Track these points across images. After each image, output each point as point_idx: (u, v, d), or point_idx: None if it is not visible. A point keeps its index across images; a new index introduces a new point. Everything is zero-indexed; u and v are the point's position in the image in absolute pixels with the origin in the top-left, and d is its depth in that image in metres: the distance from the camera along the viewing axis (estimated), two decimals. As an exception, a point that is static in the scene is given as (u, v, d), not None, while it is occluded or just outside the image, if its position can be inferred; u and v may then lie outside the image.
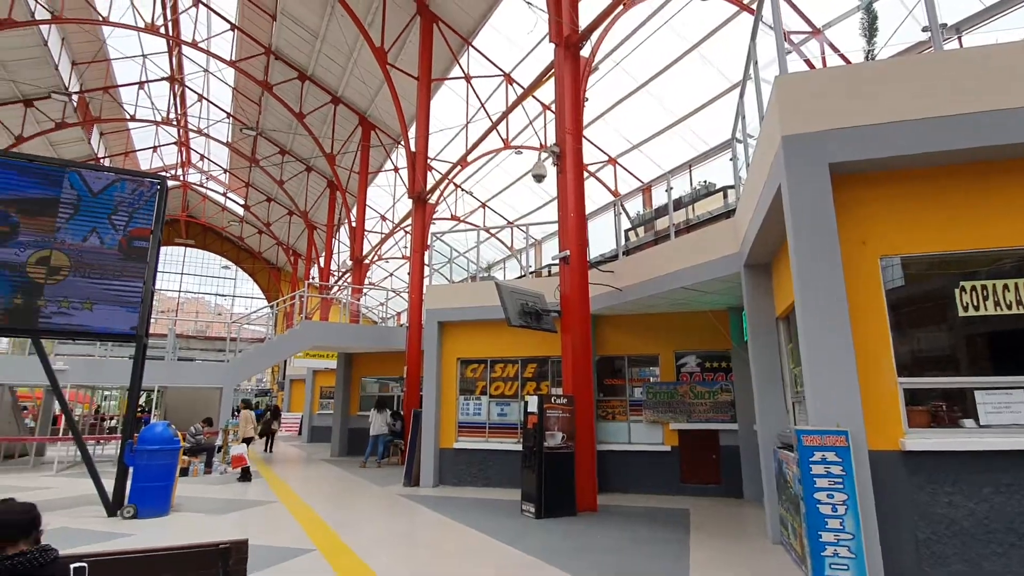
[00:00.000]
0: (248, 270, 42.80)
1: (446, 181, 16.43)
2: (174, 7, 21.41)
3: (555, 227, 12.56)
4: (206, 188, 35.88)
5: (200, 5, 21.17)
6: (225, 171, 33.50)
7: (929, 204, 4.52)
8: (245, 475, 11.77)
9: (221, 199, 36.71)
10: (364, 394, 17.89)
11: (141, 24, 20.55)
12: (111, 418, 24.19)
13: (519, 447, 9.95)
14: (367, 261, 23.69)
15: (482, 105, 17.09)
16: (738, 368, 9.72)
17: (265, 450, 18.55)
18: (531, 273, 12.47)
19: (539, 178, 10.28)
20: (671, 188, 9.24)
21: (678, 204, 9.66)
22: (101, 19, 19.98)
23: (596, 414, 10.05)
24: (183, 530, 7.35)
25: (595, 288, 9.61)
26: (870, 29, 5.40)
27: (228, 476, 12.47)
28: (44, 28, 19.93)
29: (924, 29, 4.81)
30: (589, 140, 17.65)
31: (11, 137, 23.84)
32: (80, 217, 8.18)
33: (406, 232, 24.86)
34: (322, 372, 23.04)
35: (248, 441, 13.14)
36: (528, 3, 11.77)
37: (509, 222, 22.29)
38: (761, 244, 6.15)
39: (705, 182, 10.13)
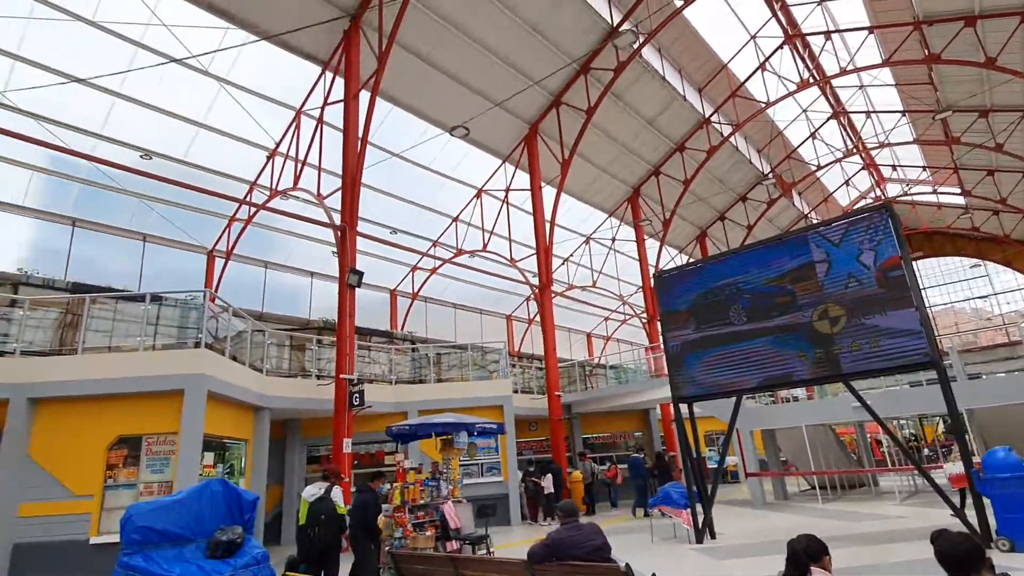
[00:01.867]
0: (999, 260, 35.85)
1: None
2: (810, 55, 22.67)
3: None
4: (910, 195, 33.60)
5: (830, 37, 21.55)
6: (924, 168, 30.62)
7: None
8: None
9: (932, 198, 33.35)
10: None
11: (793, 87, 22.68)
12: (919, 447, 23.99)
13: None
14: None
15: None
16: None
17: None
18: None
19: None
20: None
21: None
22: (764, 104, 23.34)
23: None
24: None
25: None
26: None
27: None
28: (732, 138, 24.96)
29: None
30: None
31: (742, 229, 30.08)
32: (834, 269, 9.13)
33: None
34: None
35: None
36: None
37: None
38: None
39: None
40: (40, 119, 13.14)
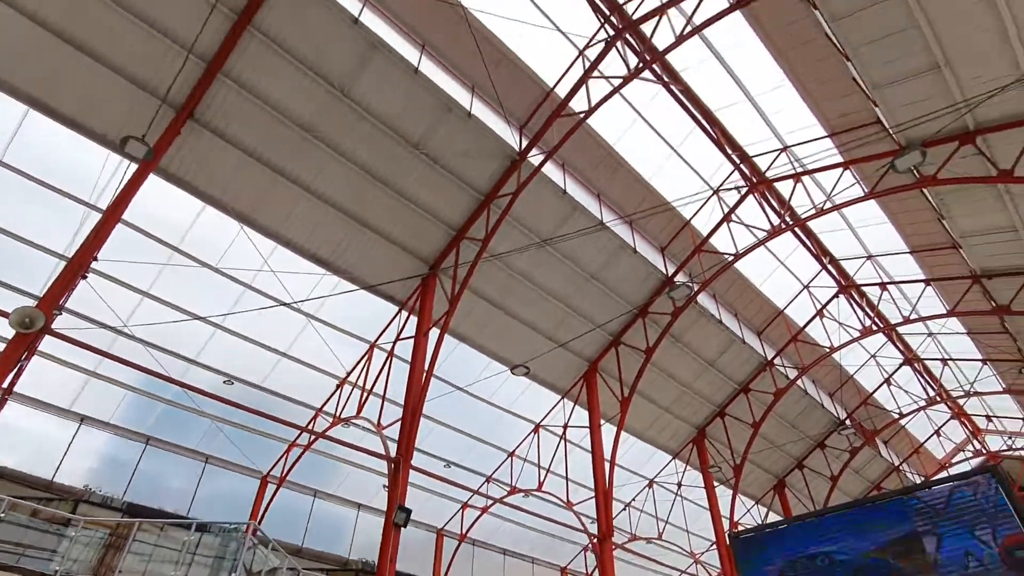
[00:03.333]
0: None
1: None
2: (869, 304, 23.01)
3: None
4: (1016, 450, 30.24)
5: (886, 288, 22.06)
6: None
7: None
8: None
9: (1043, 454, 29.79)
10: None
11: (856, 334, 22.60)
12: None
13: None
14: None
15: None
16: None
17: None
18: None
19: None
20: None
21: None
22: (828, 349, 23.08)
23: None
24: None
25: None
26: None
27: None
28: (800, 382, 24.24)
29: None
30: None
31: (825, 480, 27.28)
32: (947, 543, 7.84)
33: None
34: None
35: None
36: None
37: None
38: None
39: None
40: (149, 345, 14.74)
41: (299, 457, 17.88)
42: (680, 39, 12.95)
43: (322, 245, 15.23)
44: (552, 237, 16.41)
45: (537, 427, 20.85)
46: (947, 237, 18.31)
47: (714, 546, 23.05)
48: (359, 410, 15.73)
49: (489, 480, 20.84)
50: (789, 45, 14.00)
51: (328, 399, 17.76)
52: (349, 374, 17.46)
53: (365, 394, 15.99)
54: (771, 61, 14.39)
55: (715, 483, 23.40)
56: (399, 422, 13.94)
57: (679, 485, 24.19)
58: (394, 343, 16.18)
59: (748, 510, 25.69)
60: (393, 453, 13.45)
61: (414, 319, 15.96)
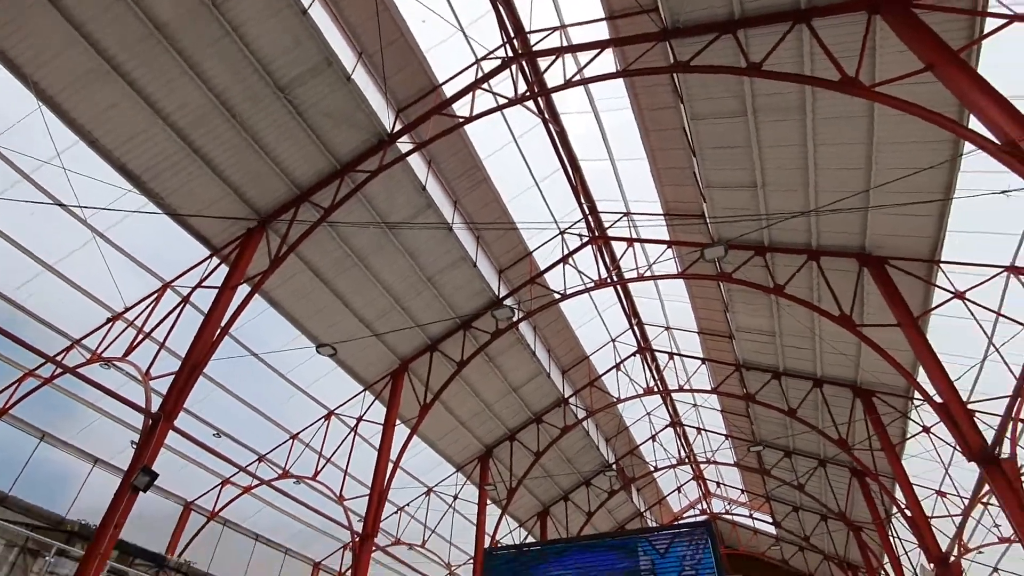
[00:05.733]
0: (804, 598, 37.72)
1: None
2: (656, 369, 26.13)
3: None
4: (732, 515, 36.17)
5: (674, 357, 25.28)
6: (743, 491, 33.67)
7: None
8: None
9: (749, 522, 36.01)
10: None
11: (640, 391, 25.44)
12: None
13: None
14: (954, 556, 18.20)
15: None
16: None
17: None
18: None
19: None
20: None
21: None
22: (615, 399, 25.65)
23: None
24: None
25: None
26: None
27: None
28: (585, 423, 26.54)
29: None
30: None
31: (583, 514, 30.00)
32: (659, 579, 9.04)
33: (987, 505, 18.84)
34: None
35: None
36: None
37: None
38: None
39: None
40: None
41: (35, 389, 14.96)
42: (568, 84, 13.73)
43: (137, 158, 13.19)
44: (400, 222, 16.11)
45: (330, 414, 20.00)
46: (727, 328, 21.60)
47: (471, 561, 23.93)
48: (128, 351, 13.71)
49: (262, 460, 19.40)
50: (654, 127, 15.63)
51: (93, 331, 15.21)
52: (128, 310, 15.17)
53: (141, 336, 14.01)
54: (637, 134, 15.93)
55: (488, 501, 24.41)
56: (173, 375, 12.41)
57: (455, 498, 24.80)
58: (193, 288, 14.47)
59: (511, 531, 27.16)
60: (156, 408, 11.89)
61: (223, 271, 14.46)
